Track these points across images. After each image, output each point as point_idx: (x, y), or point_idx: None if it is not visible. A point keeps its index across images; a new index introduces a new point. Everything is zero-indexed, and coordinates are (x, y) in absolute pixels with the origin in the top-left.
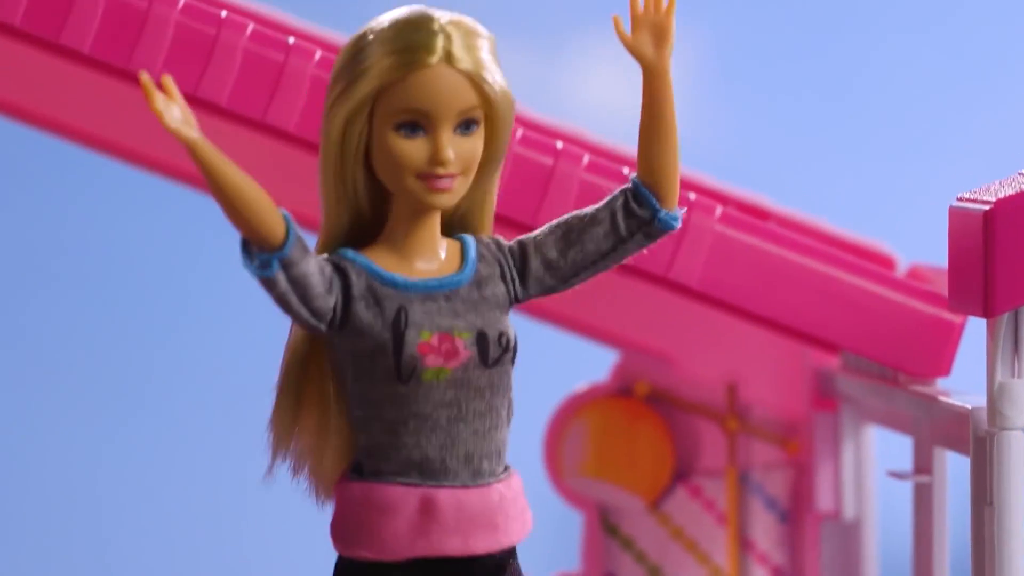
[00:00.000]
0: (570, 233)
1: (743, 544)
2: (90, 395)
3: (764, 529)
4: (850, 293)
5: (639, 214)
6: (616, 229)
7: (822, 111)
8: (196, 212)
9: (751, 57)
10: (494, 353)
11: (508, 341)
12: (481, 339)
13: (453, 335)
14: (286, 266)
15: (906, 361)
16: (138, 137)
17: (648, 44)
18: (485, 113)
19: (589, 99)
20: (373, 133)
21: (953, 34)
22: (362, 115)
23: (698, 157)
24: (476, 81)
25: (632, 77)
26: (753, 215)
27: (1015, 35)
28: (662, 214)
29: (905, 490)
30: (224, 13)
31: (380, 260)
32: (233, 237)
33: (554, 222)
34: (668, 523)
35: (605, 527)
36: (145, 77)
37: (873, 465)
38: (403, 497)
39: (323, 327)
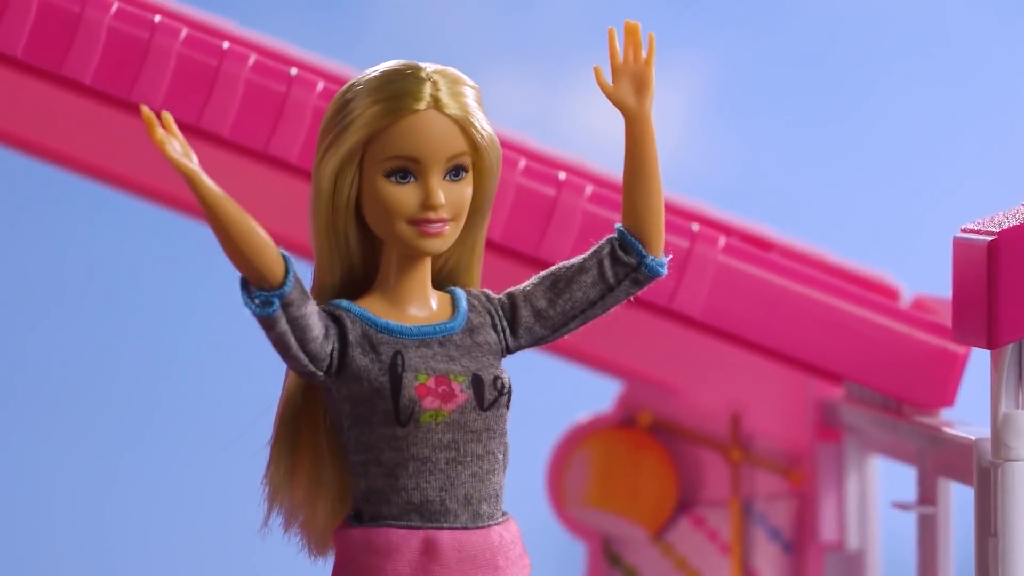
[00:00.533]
0: (558, 282)
1: (747, 574)
2: (94, 416)
3: (768, 559)
4: (854, 324)
5: (626, 261)
6: (604, 277)
7: (825, 141)
8: (198, 243)
9: (754, 87)
10: (490, 396)
11: (503, 385)
12: (477, 382)
13: (449, 378)
14: (286, 305)
15: (910, 392)
16: (139, 167)
17: (629, 93)
18: (473, 161)
19: (592, 130)
20: (364, 182)
21: (957, 64)
22: (352, 164)
23: (701, 187)
24: (465, 126)
25: None
26: (756, 245)
27: (1019, 64)
28: (649, 260)
29: (909, 521)
30: (226, 44)
31: (373, 308)
32: (234, 271)
33: (542, 273)
34: (671, 553)
35: (608, 557)
36: (146, 110)
37: (877, 496)
38: (405, 539)
39: (320, 373)
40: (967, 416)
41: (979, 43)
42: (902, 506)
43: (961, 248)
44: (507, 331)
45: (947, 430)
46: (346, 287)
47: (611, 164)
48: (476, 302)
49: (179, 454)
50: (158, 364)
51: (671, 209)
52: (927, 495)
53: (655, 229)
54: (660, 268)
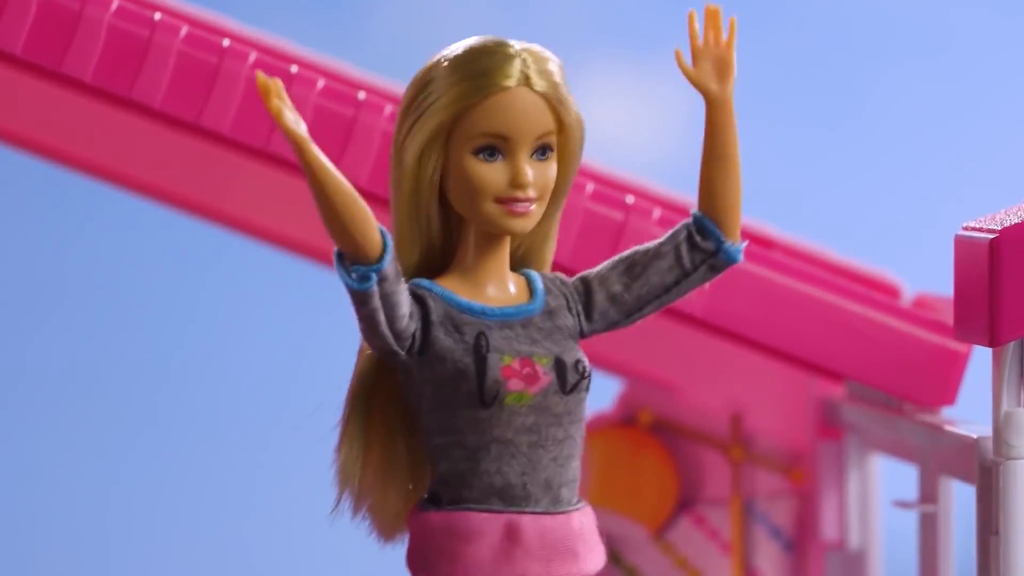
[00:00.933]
0: (634, 267)
1: (748, 573)
2: (95, 416)
3: (769, 558)
4: (855, 322)
5: (703, 247)
6: (680, 262)
7: (827, 140)
8: (199, 241)
9: (754, 86)
10: (572, 380)
11: (584, 369)
12: (559, 365)
13: (534, 360)
14: (381, 281)
15: (911, 390)
16: (140, 165)
17: (711, 76)
18: (558, 140)
19: (592, 128)
20: (449, 160)
21: (958, 63)
22: (438, 143)
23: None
24: (554, 104)
25: (634, 109)
26: (758, 244)
27: (1020, 64)
28: (727, 246)
29: (910, 520)
30: (227, 42)
31: (453, 288)
32: (235, 270)
33: (617, 257)
34: (672, 552)
35: (609, 556)
36: (261, 76)
37: (878, 494)
38: (487, 524)
39: (402, 353)
40: (968, 414)
41: (980, 42)
42: (903, 505)
43: (963, 246)
44: (582, 315)
45: (948, 428)
46: (423, 266)
47: (611, 162)
48: (552, 285)
49: (181, 454)
50: (158, 363)
51: (671, 207)
52: (928, 494)
53: (733, 214)
54: (737, 254)
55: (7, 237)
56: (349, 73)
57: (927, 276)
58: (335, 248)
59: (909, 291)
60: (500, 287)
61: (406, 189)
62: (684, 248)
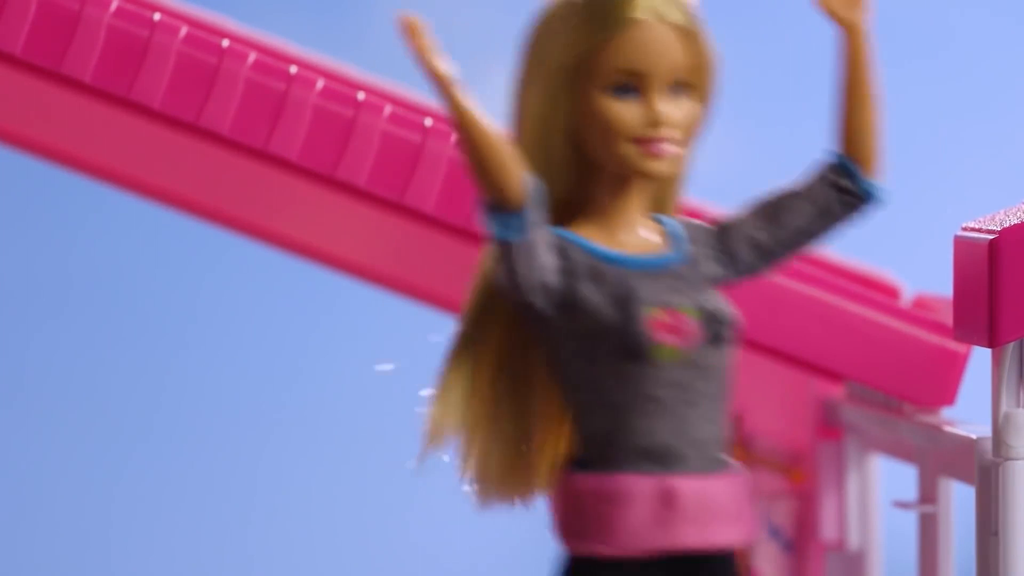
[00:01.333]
0: (774, 211)
1: (747, 574)
2: (97, 418)
3: (768, 559)
4: (855, 322)
5: (844, 186)
6: (820, 204)
7: (826, 140)
8: (200, 241)
9: (754, 86)
10: (720, 332)
11: (731, 319)
12: (707, 316)
13: (681, 311)
14: (526, 229)
15: (911, 391)
16: (140, 166)
17: (844, 4)
18: (695, 77)
19: None
20: (580, 101)
21: (958, 62)
22: (567, 84)
23: (701, 185)
24: (689, 38)
25: None
26: None
27: (1021, 64)
28: (868, 184)
29: (910, 520)
30: (226, 42)
31: (590, 237)
32: (236, 270)
33: (752, 202)
34: None
35: None
36: (406, 16)
37: (878, 495)
38: (639, 486)
39: (544, 304)
40: (968, 415)
41: (980, 43)
42: (903, 505)
43: (962, 246)
44: (723, 263)
45: (948, 429)
46: (554, 215)
47: None
48: (692, 232)
49: (184, 456)
50: (158, 363)
51: None
52: (928, 494)
53: (873, 152)
54: (879, 193)
55: (7, 237)
56: (349, 73)
57: (927, 276)
58: (482, 199)
59: (909, 291)
60: (638, 235)
61: (532, 135)
62: (825, 189)
